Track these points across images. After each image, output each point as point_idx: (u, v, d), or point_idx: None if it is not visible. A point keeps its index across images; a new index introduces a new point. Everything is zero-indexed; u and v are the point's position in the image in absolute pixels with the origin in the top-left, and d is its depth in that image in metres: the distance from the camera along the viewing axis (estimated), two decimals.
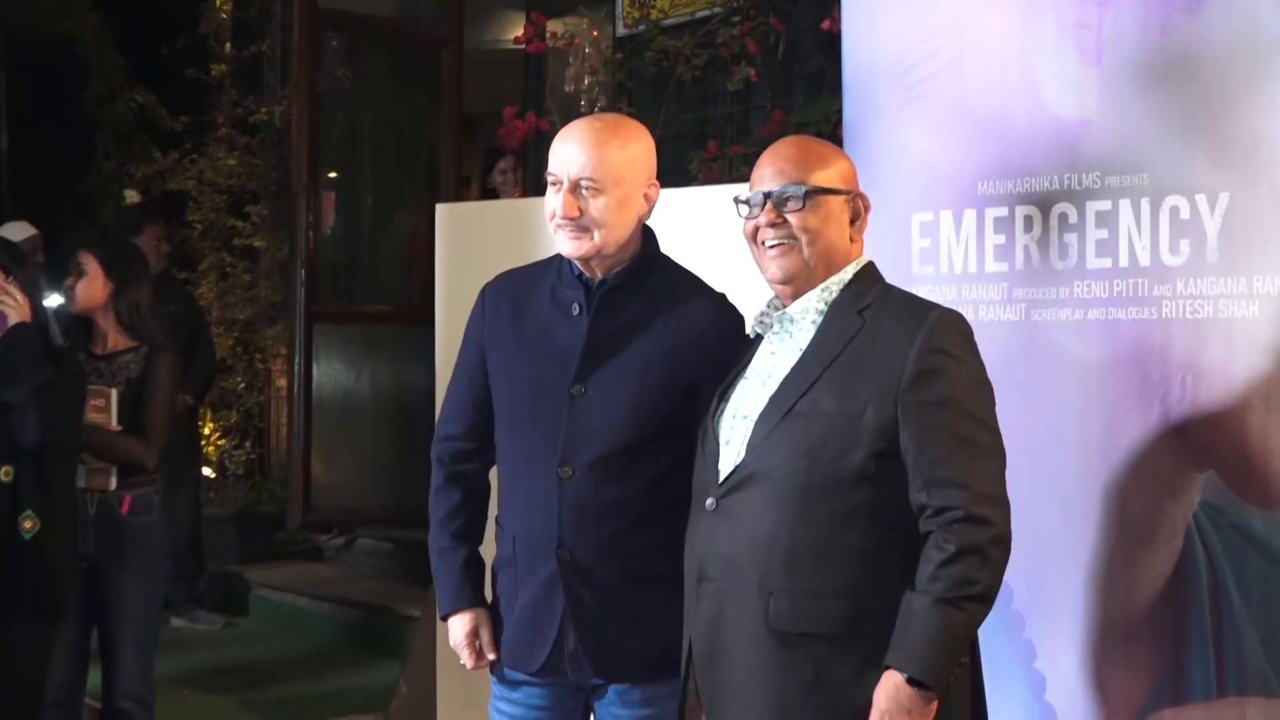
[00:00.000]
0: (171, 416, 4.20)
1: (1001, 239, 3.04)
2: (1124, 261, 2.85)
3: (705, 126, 5.98)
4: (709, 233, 3.67)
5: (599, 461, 2.59)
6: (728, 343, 2.64)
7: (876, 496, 2.33)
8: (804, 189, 2.45)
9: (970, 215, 3.08)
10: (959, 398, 2.33)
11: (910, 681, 2.25)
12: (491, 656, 2.76)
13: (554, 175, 2.64)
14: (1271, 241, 2.66)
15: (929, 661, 2.25)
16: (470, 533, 2.80)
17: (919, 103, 3.18)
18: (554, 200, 2.63)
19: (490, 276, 3.05)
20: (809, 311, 2.48)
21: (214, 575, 7.04)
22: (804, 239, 2.46)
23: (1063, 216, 2.93)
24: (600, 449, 2.59)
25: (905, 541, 2.32)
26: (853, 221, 2.51)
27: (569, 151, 2.62)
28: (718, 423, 2.50)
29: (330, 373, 7.09)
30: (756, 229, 2.50)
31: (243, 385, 8.18)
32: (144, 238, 6.36)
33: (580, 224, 2.61)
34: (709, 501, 2.43)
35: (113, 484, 3.95)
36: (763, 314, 2.55)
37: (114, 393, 3.96)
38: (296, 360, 6.82)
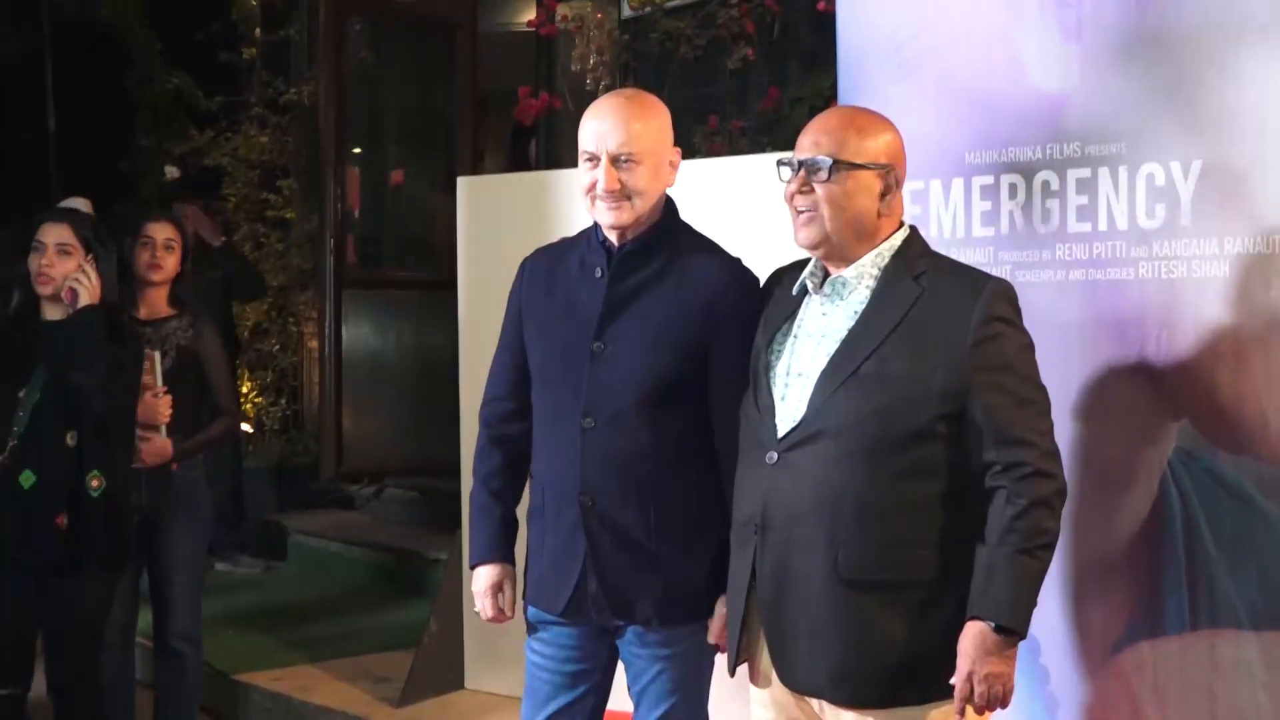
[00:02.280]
0: (233, 377, 4.29)
1: (988, 205, 3.02)
2: (1103, 225, 2.83)
3: (706, 103, 5.92)
4: (711, 202, 3.65)
5: (618, 414, 2.59)
6: (738, 303, 2.61)
7: (939, 454, 2.31)
8: (830, 161, 2.38)
9: (958, 184, 3.06)
10: (1016, 362, 2.32)
11: (996, 629, 2.25)
12: (510, 615, 2.79)
13: (590, 151, 2.60)
14: (1241, 205, 2.65)
15: (1014, 609, 2.25)
16: (508, 493, 2.81)
17: (909, 79, 3.15)
18: (593, 174, 2.60)
19: (509, 244, 3.03)
20: (863, 276, 2.42)
21: (254, 523, 7.05)
22: (827, 210, 2.39)
23: (1045, 184, 2.92)
24: (619, 402, 2.59)
25: (963, 495, 2.32)
26: (884, 195, 2.42)
27: (605, 128, 2.59)
28: (771, 377, 2.46)
29: (359, 335, 7.07)
30: (792, 194, 2.44)
31: (277, 347, 8.16)
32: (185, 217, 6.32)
33: (621, 194, 2.59)
34: (769, 455, 2.39)
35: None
36: (810, 273, 2.49)
37: (157, 355, 3.99)
38: (327, 323, 6.81)
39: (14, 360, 3.55)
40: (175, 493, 4.02)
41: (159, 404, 3.95)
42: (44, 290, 3.58)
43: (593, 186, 2.61)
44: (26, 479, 3.50)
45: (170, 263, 4.11)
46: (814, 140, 2.42)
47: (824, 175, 2.39)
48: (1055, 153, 2.90)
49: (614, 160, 2.58)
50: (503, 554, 2.79)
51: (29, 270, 3.58)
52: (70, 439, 3.53)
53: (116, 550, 3.65)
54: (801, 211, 2.43)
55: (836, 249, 2.43)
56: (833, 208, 2.40)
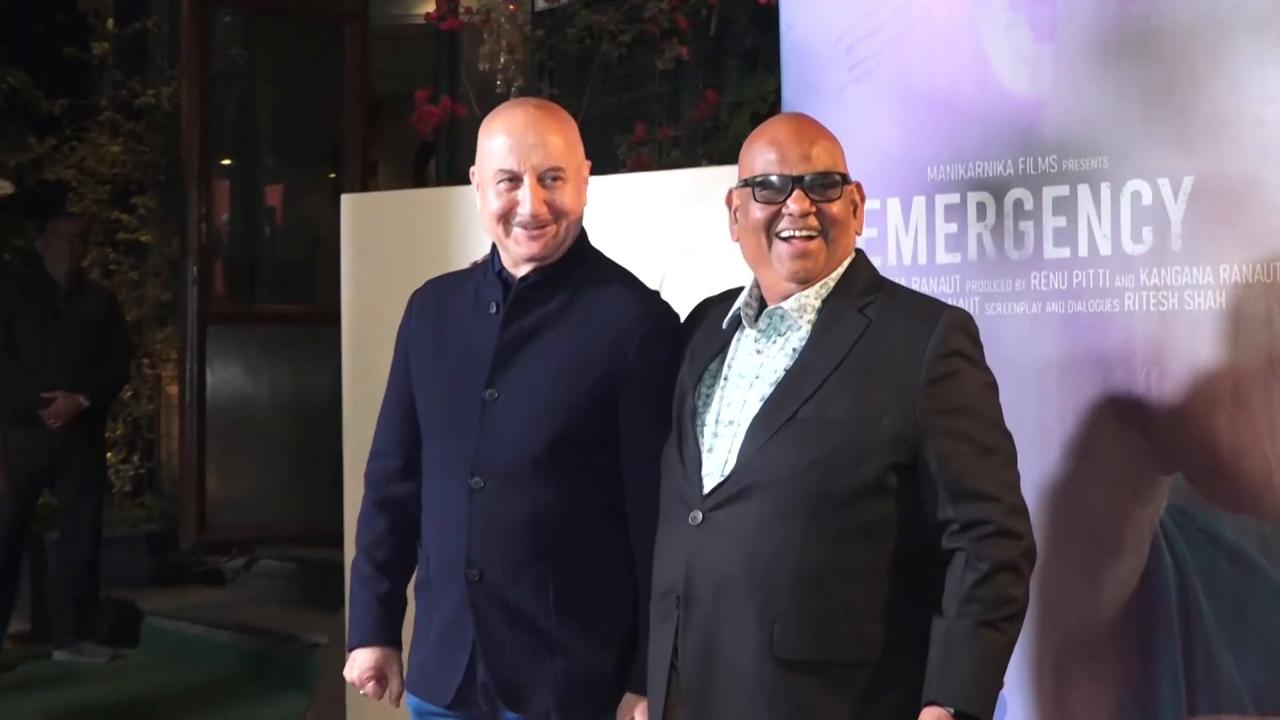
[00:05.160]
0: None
1: (953, 228, 3.05)
2: (1083, 251, 2.87)
3: (632, 108, 5.97)
4: (635, 223, 3.66)
5: (512, 472, 2.58)
6: (651, 343, 2.59)
7: (889, 511, 2.31)
8: (840, 176, 2.42)
9: (919, 202, 3.09)
10: (975, 404, 2.34)
11: (956, 715, 2.24)
12: (395, 705, 2.77)
13: (510, 170, 2.57)
14: (1238, 228, 2.69)
15: (976, 691, 2.25)
16: (395, 565, 2.80)
17: (863, 81, 3.19)
18: (511, 197, 2.57)
19: (401, 272, 3.03)
20: (805, 310, 2.42)
21: (103, 603, 6.93)
22: (833, 231, 2.41)
23: (1018, 203, 2.95)
24: (513, 458, 2.58)
25: (917, 560, 2.32)
26: (854, 213, 2.48)
27: (527, 141, 2.57)
28: (698, 425, 2.46)
29: (226, 378, 7.00)
30: (773, 217, 2.42)
31: (130, 394, 8.04)
32: (54, 235, 6.50)
33: (547, 218, 2.58)
34: (693, 515, 2.38)
35: None
36: (745, 304, 2.49)
37: None
38: (189, 365, 6.74)
39: None
40: None
41: None
42: None
43: (509, 211, 2.59)
44: None
45: None
46: (802, 153, 2.43)
47: (835, 193, 2.42)
48: (1029, 168, 2.94)
49: (540, 179, 2.57)
50: (386, 636, 2.76)
51: None
52: None
53: None
54: (800, 237, 2.41)
55: (820, 279, 2.45)
56: (839, 229, 2.43)
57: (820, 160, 2.43)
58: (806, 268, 2.43)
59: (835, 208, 2.42)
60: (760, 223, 2.44)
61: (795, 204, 2.41)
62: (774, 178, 2.43)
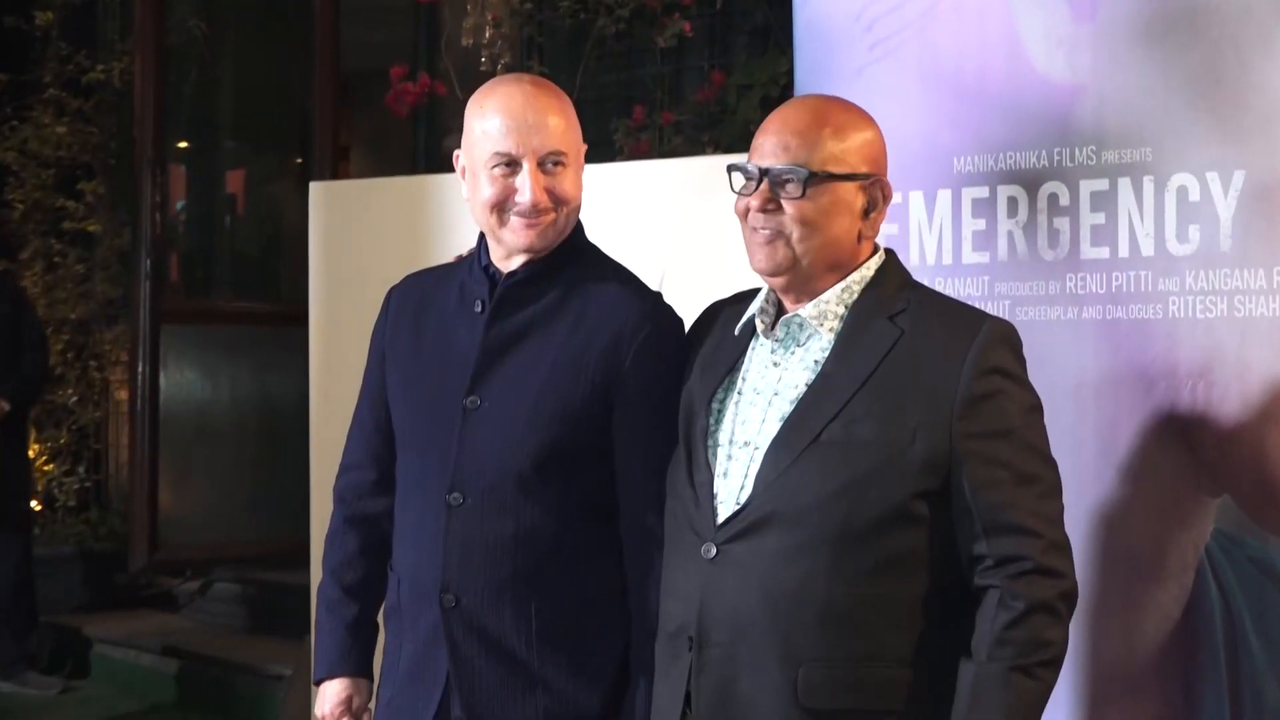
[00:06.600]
0: None
1: (981, 224, 3.06)
2: (1124, 251, 2.87)
3: (631, 90, 5.98)
4: (634, 216, 3.67)
5: (494, 488, 2.58)
6: (650, 348, 2.60)
7: (920, 542, 2.31)
8: (806, 173, 2.38)
9: (944, 196, 3.10)
10: (1018, 427, 2.33)
11: None
12: None
13: (507, 154, 2.57)
14: None
15: None
16: (366, 588, 2.81)
17: (884, 62, 3.20)
18: (509, 184, 2.57)
19: (374, 267, 3.04)
20: (826, 316, 2.42)
21: (45, 628, 6.94)
22: (797, 232, 2.39)
23: (1052, 198, 2.96)
24: (496, 473, 2.59)
25: (951, 596, 2.33)
26: (866, 213, 2.44)
27: (527, 122, 2.57)
28: (710, 446, 2.46)
29: (181, 383, 7.02)
30: (747, 209, 2.43)
31: (75, 399, 8.07)
32: None
33: (547, 207, 2.59)
34: (707, 548, 2.37)
35: None
36: (761, 310, 2.48)
37: None
38: (140, 368, 6.75)
39: None
40: None
41: None
42: None
43: (506, 199, 2.59)
44: None
45: None
46: (781, 143, 2.41)
47: (797, 191, 2.39)
48: (1065, 159, 2.94)
49: (540, 163, 2.58)
50: (355, 665, 2.77)
51: None
52: None
53: None
54: (761, 231, 2.42)
55: (803, 280, 2.43)
56: (806, 230, 2.40)
57: (791, 151, 2.39)
58: (768, 260, 2.42)
59: (794, 206, 2.39)
60: (738, 211, 2.47)
61: (754, 199, 2.42)
62: (749, 166, 2.43)
